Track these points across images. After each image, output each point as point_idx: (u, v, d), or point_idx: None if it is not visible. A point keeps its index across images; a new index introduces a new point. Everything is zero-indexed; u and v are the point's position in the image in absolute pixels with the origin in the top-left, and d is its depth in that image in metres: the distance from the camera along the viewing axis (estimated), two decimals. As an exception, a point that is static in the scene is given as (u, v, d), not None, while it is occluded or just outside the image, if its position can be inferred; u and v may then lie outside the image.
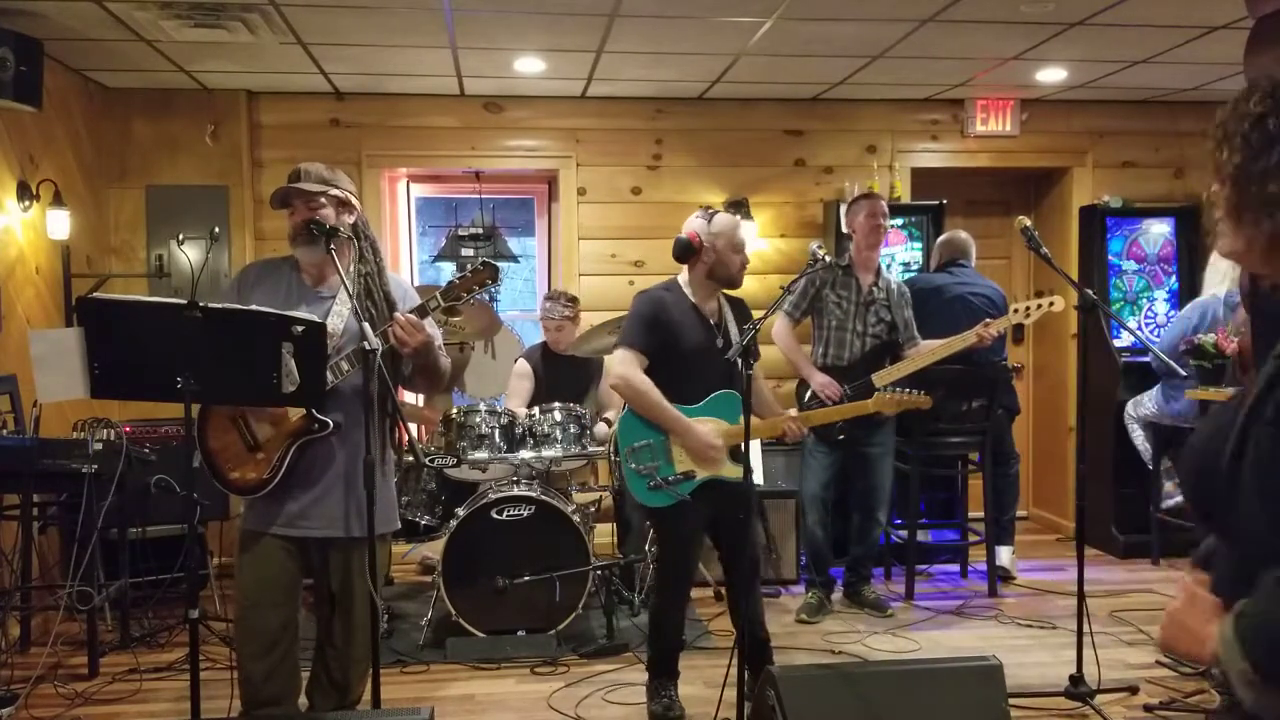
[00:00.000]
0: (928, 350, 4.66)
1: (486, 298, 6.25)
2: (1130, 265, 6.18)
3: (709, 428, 3.54)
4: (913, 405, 3.96)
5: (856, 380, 4.60)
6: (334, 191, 2.91)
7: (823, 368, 4.70)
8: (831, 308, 4.72)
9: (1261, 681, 1.23)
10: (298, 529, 2.90)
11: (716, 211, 3.69)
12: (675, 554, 3.66)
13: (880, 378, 4.56)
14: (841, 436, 4.63)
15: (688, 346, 3.56)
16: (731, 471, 3.52)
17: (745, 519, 3.31)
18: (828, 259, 3.70)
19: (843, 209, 5.44)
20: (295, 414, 2.86)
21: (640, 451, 3.53)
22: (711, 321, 3.64)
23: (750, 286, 4.77)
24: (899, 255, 6.11)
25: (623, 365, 3.55)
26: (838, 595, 5.00)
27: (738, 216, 3.75)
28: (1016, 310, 4.53)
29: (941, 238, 5.50)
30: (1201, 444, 1.35)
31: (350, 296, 2.83)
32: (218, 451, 2.91)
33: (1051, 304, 4.44)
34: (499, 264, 2.99)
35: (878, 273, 4.79)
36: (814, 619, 4.73)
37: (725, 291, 3.71)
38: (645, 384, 3.52)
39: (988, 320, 4.51)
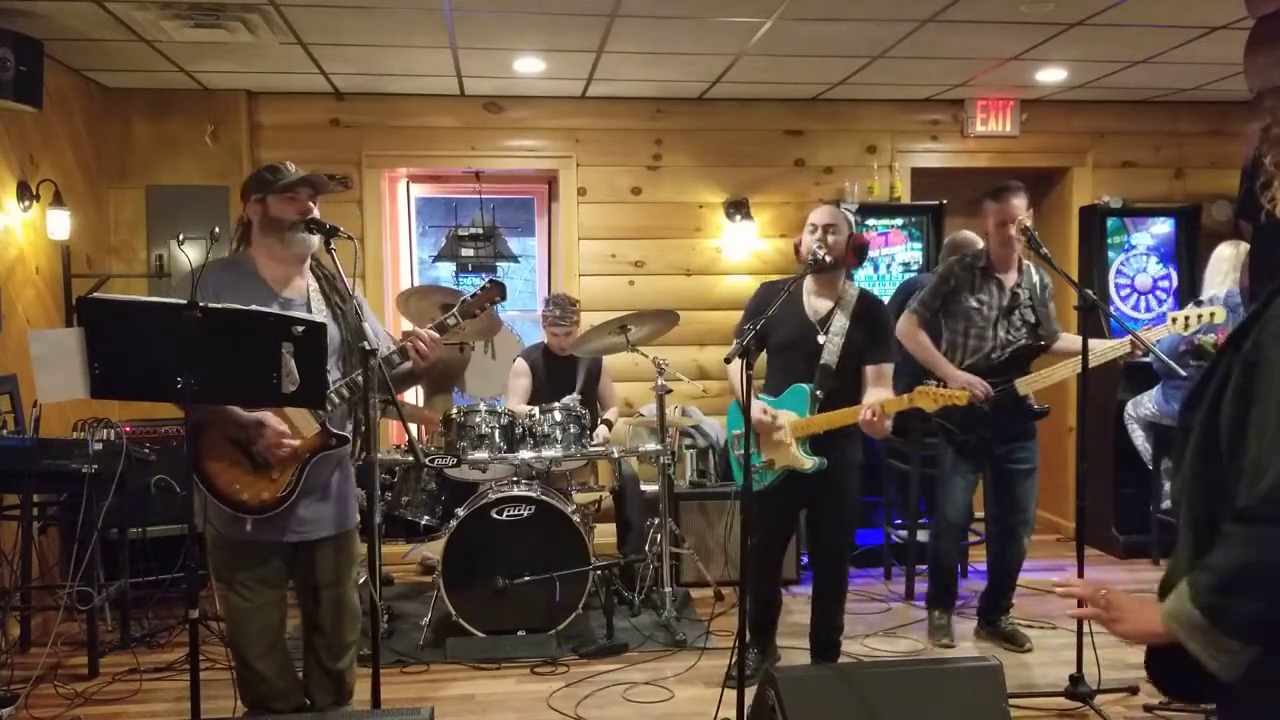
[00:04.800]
0: (1072, 350, 4.10)
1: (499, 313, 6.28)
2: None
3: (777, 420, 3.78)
4: (949, 402, 3.69)
5: (998, 386, 4.12)
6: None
7: None
8: (970, 313, 4.22)
9: (1212, 625, 1.41)
10: (297, 534, 3.00)
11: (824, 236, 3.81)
12: (757, 535, 3.77)
13: (1026, 384, 4.16)
14: (974, 433, 4.18)
15: (779, 340, 3.77)
16: (799, 462, 3.68)
17: (757, 517, 3.35)
18: (827, 259, 3.72)
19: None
20: (311, 431, 2.91)
21: (740, 438, 3.74)
22: (814, 317, 3.75)
23: (750, 286, 4.79)
24: (899, 255, 6.11)
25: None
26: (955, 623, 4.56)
27: (824, 221, 3.87)
28: (1175, 320, 4.09)
29: (949, 238, 5.47)
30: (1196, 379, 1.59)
31: (350, 296, 2.90)
32: (219, 473, 2.88)
33: (1213, 314, 4.02)
34: (502, 281, 3.21)
35: (1020, 269, 4.27)
36: (953, 643, 4.39)
37: (863, 294, 3.83)
38: (732, 373, 3.84)
39: (1147, 327, 3.95)
